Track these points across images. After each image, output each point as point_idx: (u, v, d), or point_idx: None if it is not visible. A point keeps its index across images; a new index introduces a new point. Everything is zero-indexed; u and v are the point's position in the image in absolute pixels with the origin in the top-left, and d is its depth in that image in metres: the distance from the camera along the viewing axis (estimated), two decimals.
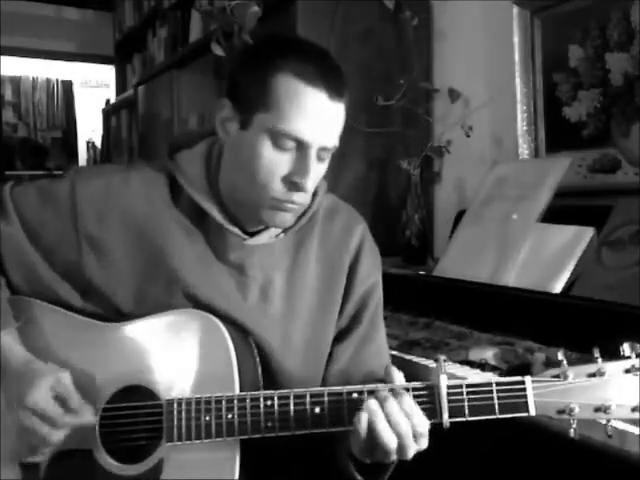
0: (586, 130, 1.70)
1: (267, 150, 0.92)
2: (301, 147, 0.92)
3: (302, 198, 0.96)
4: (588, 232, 1.42)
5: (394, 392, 0.84)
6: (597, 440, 0.97)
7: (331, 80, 0.92)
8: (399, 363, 1.12)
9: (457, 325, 1.49)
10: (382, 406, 0.82)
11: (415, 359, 1.32)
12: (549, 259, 1.45)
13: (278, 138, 0.91)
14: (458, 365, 1.25)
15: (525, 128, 1.83)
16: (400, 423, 0.82)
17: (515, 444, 1.21)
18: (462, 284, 1.58)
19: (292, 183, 0.93)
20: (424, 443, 0.84)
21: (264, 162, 0.92)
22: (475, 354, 1.27)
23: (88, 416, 0.92)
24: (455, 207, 2.02)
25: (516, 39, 1.83)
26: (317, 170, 0.95)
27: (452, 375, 1.19)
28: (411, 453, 0.85)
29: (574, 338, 1.14)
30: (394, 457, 0.85)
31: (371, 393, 0.86)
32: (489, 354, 1.25)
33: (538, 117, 1.81)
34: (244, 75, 0.95)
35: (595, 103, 1.67)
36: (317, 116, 0.91)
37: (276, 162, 0.92)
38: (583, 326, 1.21)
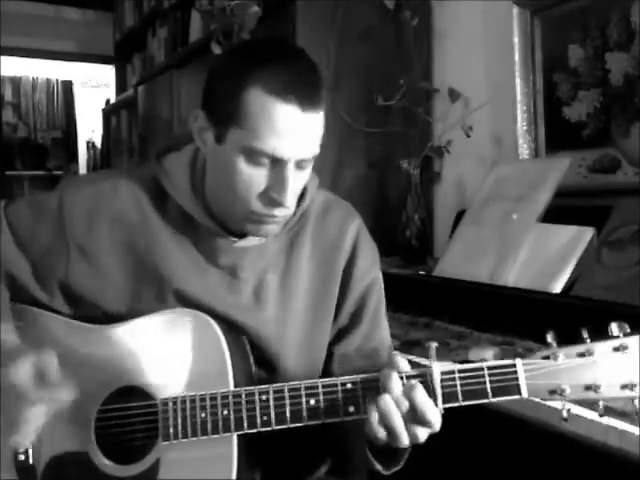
0: (586, 130, 1.70)
1: (242, 166, 0.89)
2: (277, 163, 0.89)
3: (284, 212, 0.94)
4: (588, 232, 1.42)
5: (386, 387, 0.83)
6: (597, 440, 0.97)
7: (303, 90, 0.87)
8: None
9: (457, 325, 1.49)
10: (378, 404, 0.82)
11: (415, 359, 1.32)
12: (549, 259, 1.45)
13: (252, 155, 0.88)
14: (458, 365, 1.25)
15: (525, 128, 1.83)
16: (395, 420, 0.82)
17: (515, 444, 1.21)
18: (462, 284, 1.58)
19: (270, 199, 0.91)
20: (436, 427, 0.84)
21: (241, 178, 0.90)
22: (475, 354, 1.27)
23: (63, 392, 0.86)
24: (455, 207, 2.02)
25: (516, 39, 1.83)
26: (298, 180, 0.93)
27: None
28: (421, 438, 0.84)
29: (574, 338, 1.14)
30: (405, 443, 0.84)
31: (365, 382, 0.86)
32: (489, 354, 1.25)
33: (538, 117, 1.81)
34: (216, 87, 0.92)
35: (595, 103, 1.67)
36: (291, 131, 0.87)
37: (252, 178, 0.90)
38: (583, 326, 1.20)
